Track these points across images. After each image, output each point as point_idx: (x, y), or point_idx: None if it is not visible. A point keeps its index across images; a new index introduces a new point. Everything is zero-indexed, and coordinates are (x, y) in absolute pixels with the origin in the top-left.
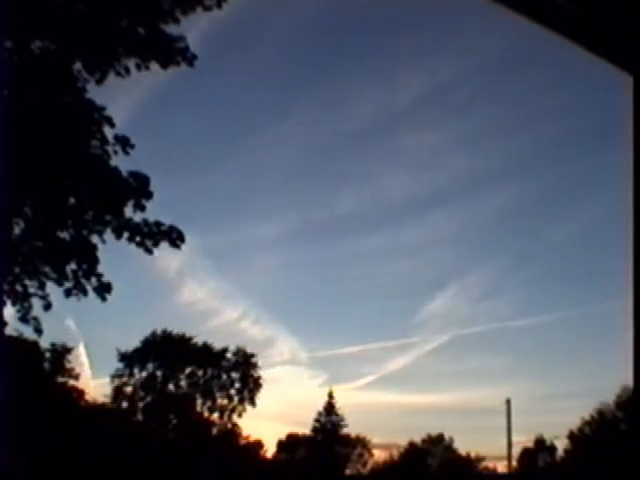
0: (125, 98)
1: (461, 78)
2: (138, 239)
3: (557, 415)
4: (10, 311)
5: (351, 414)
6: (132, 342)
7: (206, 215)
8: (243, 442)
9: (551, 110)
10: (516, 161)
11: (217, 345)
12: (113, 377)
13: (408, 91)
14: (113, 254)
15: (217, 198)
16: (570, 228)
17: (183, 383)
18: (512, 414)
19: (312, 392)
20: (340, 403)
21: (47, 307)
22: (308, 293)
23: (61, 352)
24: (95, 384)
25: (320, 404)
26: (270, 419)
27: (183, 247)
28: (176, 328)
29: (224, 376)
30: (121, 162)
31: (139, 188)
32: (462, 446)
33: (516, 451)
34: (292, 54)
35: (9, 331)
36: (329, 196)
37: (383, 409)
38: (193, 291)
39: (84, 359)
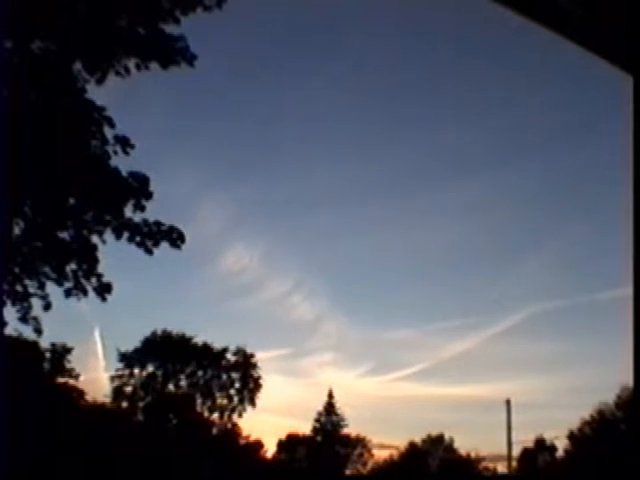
0: (125, 98)
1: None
2: (138, 239)
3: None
4: (10, 311)
5: (381, 409)
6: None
7: (257, 164)
8: (243, 442)
9: (550, 110)
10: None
11: (220, 344)
12: (113, 377)
13: None
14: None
15: (268, 143)
16: None
17: (183, 383)
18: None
19: (350, 383)
20: (374, 395)
21: (47, 307)
22: (369, 260)
23: (61, 352)
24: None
25: (353, 398)
26: (293, 416)
27: (229, 203)
28: (215, 305)
29: (224, 376)
30: (121, 162)
31: (139, 188)
32: (464, 446)
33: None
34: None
35: (9, 331)
36: (391, 147)
37: (417, 403)
38: (238, 257)
39: (98, 347)
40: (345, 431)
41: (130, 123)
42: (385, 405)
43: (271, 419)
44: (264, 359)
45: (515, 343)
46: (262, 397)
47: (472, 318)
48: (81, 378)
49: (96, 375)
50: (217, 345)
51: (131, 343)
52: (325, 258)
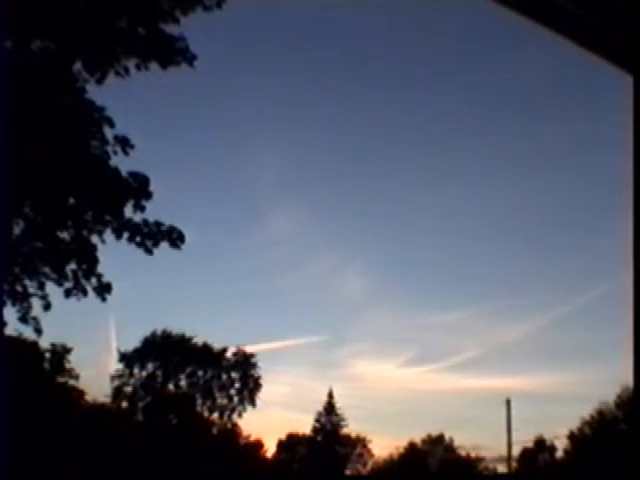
0: (125, 98)
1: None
2: (138, 239)
3: None
4: (10, 311)
5: (412, 403)
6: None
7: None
8: (243, 442)
9: (550, 110)
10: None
11: (217, 344)
12: (113, 377)
13: None
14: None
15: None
16: None
17: (183, 383)
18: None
19: (387, 375)
20: (410, 389)
21: (47, 307)
22: (430, 229)
23: (61, 352)
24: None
25: (387, 392)
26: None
27: (275, 160)
28: (250, 282)
29: (224, 376)
30: (121, 162)
31: (139, 188)
32: (463, 446)
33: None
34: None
35: (9, 331)
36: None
37: (450, 398)
38: (280, 224)
39: (112, 336)
40: (345, 431)
41: (130, 123)
42: (417, 399)
43: (294, 417)
44: (296, 346)
45: (587, 326)
46: (288, 392)
47: (541, 295)
48: (90, 374)
49: (105, 370)
50: (217, 345)
51: (131, 343)
52: (385, 228)
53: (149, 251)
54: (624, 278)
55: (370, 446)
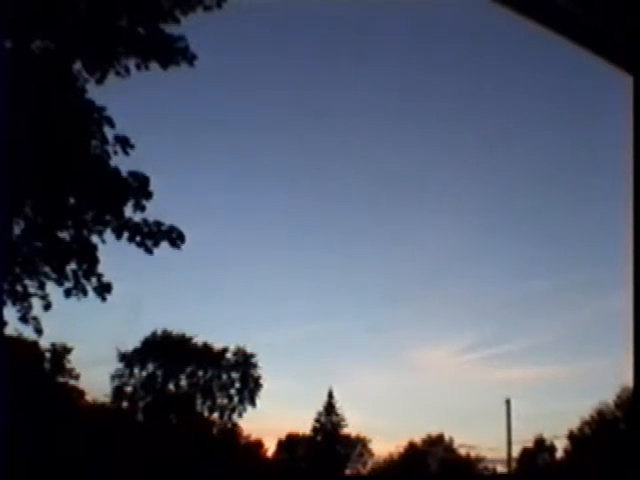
0: (125, 98)
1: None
2: (138, 239)
3: None
4: (10, 311)
5: (442, 396)
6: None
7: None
8: (243, 442)
9: (550, 111)
10: None
11: (218, 343)
12: (113, 377)
13: None
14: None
15: None
16: None
17: (183, 383)
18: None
19: (436, 362)
20: (450, 378)
21: (47, 307)
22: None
23: (61, 352)
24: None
25: (423, 382)
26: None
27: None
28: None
29: (224, 376)
30: (121, 162)
31: (139, 188)
32: (462, 446)
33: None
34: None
35: (9, 331)
36: None
37: (496, 391)
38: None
39: (112, 337)
40: (345, 431)
41: (130, 123)
42: (450, 390)
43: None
44: (341, 331)
45: None
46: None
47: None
48: (90, 374)
49: (105, 370)
50: (217, 345)
51: (131, 343)
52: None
53: (149, 251)
54: None
55: (370, 446)
